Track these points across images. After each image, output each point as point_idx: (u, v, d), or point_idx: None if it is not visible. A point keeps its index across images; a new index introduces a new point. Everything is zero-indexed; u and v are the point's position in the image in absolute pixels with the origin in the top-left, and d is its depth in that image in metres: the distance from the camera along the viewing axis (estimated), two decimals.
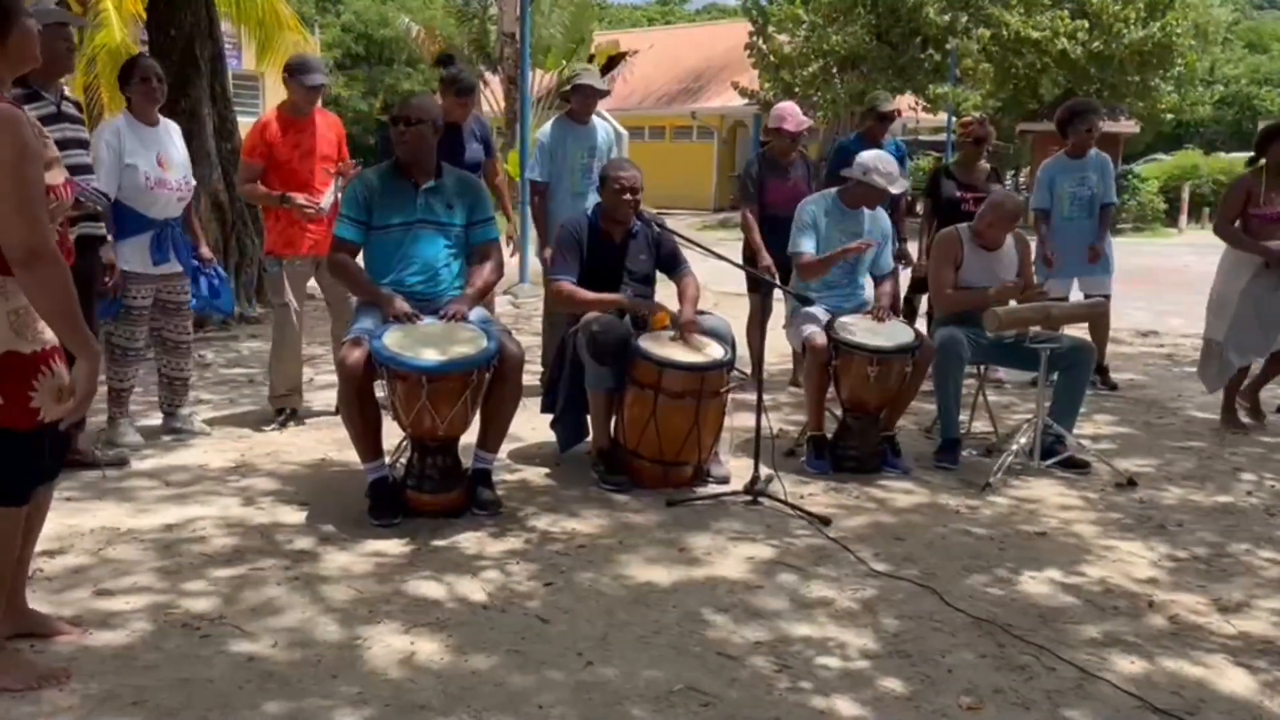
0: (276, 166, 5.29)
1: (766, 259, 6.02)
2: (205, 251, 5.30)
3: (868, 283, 5.37)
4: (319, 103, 5.51)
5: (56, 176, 2.63)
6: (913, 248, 6.83)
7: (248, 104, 19.05)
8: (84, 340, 2.57)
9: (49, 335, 2.63)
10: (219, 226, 8.75)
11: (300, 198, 5.21)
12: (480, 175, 5.72)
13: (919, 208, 7.11)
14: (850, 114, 21.68)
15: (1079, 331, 6.11)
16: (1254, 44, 45.45)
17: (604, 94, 6.16)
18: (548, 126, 6.16)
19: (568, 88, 6.13)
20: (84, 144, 4.49)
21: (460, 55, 23.04)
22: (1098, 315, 5.71)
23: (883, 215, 5.38)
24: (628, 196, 4.69)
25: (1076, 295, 6.53)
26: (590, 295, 4.68)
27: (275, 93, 18.71)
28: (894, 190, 5.19)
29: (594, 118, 6.13)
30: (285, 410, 5.48)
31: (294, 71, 5.33)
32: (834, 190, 5.32)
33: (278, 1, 13.39)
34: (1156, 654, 3.09)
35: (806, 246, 5.20)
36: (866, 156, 5.21)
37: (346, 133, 5.75)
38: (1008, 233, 5.22)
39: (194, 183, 5.14)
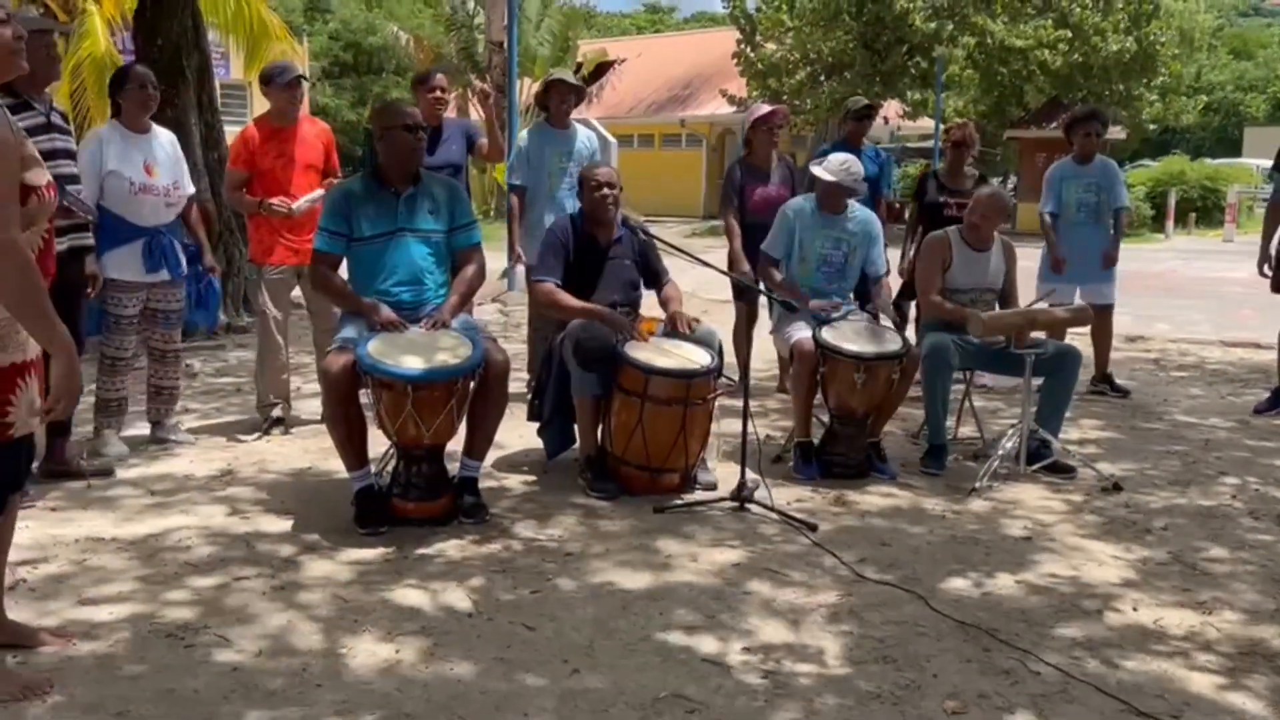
0: (260, 175, 5.30)
1: (745, 266, 6.03)
2: (209, 259, 5.26)
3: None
4: (304, 108, 5.50)
5: (39, 178, 2.62)
6: (894, 254, 6.84)
7: (235, 113, 19.01)
8: (52, 333, 2.51)
9: (31, 349, 2.62)
10: (205, 235, 8.72)
11: (274, 200, 5.21)
12: (461, 176, 5.77)
13: (907, 213, 7.13)
14: (837, 120, 21.74)
15: (1081, 339, 6.13)
16: (1239, 50, 45.75)
17: (578, 91, 6.08)
18: (525, 132, 6.17)
19: (541, 89, 6.13)
20: (72, 154, 4.49)
21: (449, 63, 23.08)
22: (1087, 320, 5.70)
23: (872, 219, 5.41)
24: (605, 192, 4.73)
25: (1080, 302, 6.55)
26: (573, 303, 4.68)
27: (263, 102, 18.65)
28: (827, 178, 5.15)
29: (576, 124, 6.13)
30: (271, 419, 5.47)
31: (267, 80, 5.37)
32: (815, 194, 5.35)
33: (265, 10, 13.39)
34: (1141, 657, 3.09)
35: (775, 252, 5.29)
36: (826, 158, 5.30)
37: (334, 141, 5.74)
38: (996, 227, 5.24)
39: (188, 190, 5.12)
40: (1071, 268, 6.53)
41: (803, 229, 5.23)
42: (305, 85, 5.50)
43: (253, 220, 5.44)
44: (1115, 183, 6.66)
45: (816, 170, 5.23)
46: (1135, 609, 3.45)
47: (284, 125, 5.36)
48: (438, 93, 5.81)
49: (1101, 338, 6.70)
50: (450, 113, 6.30)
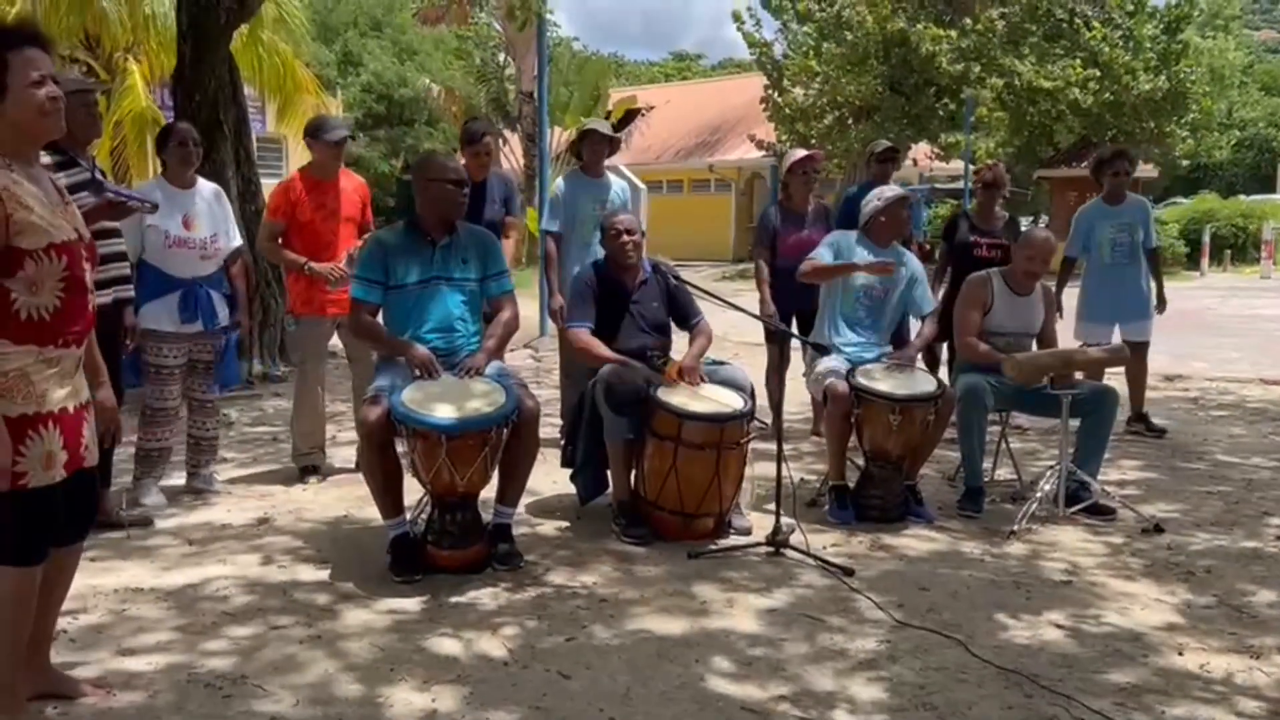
0: (299, 227, 5.36)
1: (771, 308, 6.07)
2: (238, 315, 5.26)
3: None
4: (342, 163, 5.57)
5: (35, 241, 2.62)
6: None
7: (271, 166, 19.35)
8: None
9: (50, 401, 2.66)
10: (244, 288, 8.84)
11: (324, 267, 5.27)
12: (498, 231, 5.81)
13: (938, 254, 7.10)
14: (866, 164, 21.77)
15: (1115, 378, 6.06)
16: (1270, 87, 45.49)
17: (611, 141, 6.14)
18: (560, 180, 6.24)
19: (576, 138, 6.22)
20: None
21: (479, 114, 23.37)
22: (1124, 361, 5.64)
23: (911, 258, 5.40)
24: (626, 239, 4.82)
25: (1118, 341, 6.50)
26: (606, 352, 4.71)
27: (297, 154, 18.99)
28: (890, 195, 5.28)
29: (609, 173, 6.19)
30: (309, 468, 5.51)
31: (314, 132, 5.44)
32: (856, 231, 5.35)
33: (299, 66, 13.70)
34: (1187, 704, 3.03)
35: (825, 257, 5.26)
36: (870, 194, 5.37)
37: (370, 195, 5.80)
38: (1045, 268, 5.22)
39: (232, 243, 5.17)
40: (1110, 308, 6.50)
41: (855, 255, 5.23)
42: (346, 145, 5.55)
43: (291, 272, 5.50)
44: (1146, 222, 6.60)
45: (875, 204, 5.25)
46: (1180, 653, 3.39)
47: (325, 178, 5.44)
48: (484, 154, 5.87)
49: (1137, 376, 6.64)
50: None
